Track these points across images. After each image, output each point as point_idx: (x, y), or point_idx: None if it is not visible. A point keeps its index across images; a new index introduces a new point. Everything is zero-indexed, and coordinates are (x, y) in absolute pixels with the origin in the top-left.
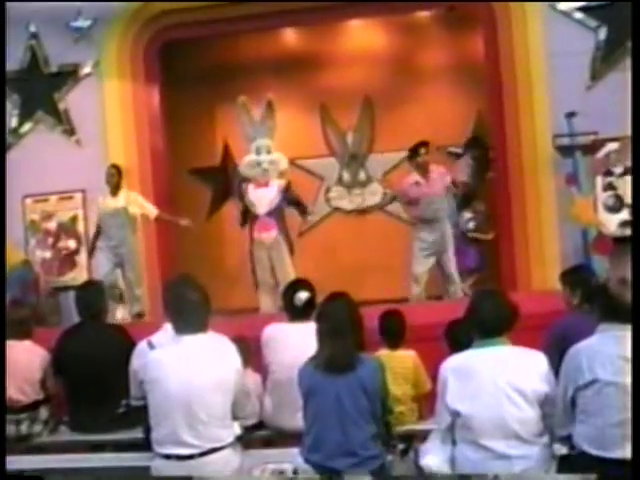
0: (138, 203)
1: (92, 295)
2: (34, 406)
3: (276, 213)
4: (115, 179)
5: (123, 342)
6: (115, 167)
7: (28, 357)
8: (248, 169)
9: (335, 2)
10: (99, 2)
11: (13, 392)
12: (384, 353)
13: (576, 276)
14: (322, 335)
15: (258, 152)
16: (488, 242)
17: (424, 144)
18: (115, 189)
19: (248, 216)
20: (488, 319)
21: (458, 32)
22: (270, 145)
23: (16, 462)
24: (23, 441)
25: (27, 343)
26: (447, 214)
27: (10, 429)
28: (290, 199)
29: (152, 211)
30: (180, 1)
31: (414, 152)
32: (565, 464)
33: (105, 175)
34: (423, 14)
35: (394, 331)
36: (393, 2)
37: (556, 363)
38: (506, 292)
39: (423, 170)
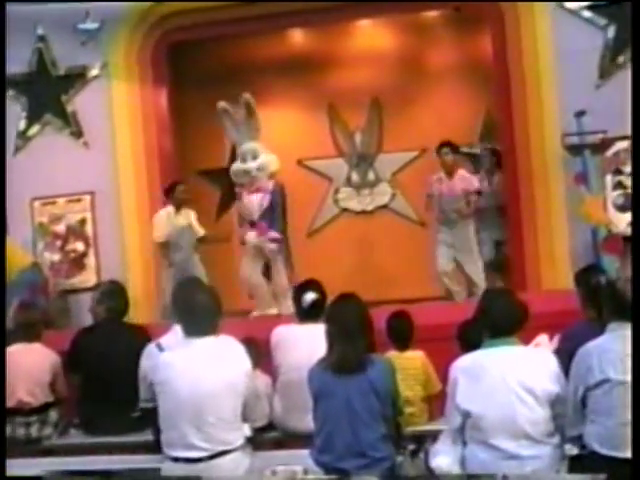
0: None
1: (112, 295)
2: (44, 409)
3: (269, 216)
4: (183, 196)
5: (140, 342)
6: (185, 184)
7: (38, 359)
8: (237, 177)
9: (342, 2)
10: (107, 3)
11: (23, 395)
12: (393, 354)
13: (580, 277)
14: (332, 336)
15: (244, 159)
16: (498, 242)
17: (446, 144)
18: (180, 206)
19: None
20: (498, 319)
21: (466, 32)
22: (256, 149)
23: (25, 465)
24: (33, 444)
25: (37, 345)
26: (466, 216)
27: (20, 432)
28: (276, 203)
29: (199, 231)
30: (188, 1)
31: (437, 152)
32: (576, 464)
33: (175, 192)
34: (430, 14)
35: (402, 332)
36: (401, 2)
37: (566, 368)
38: (516, 292)
39: (447, 169)
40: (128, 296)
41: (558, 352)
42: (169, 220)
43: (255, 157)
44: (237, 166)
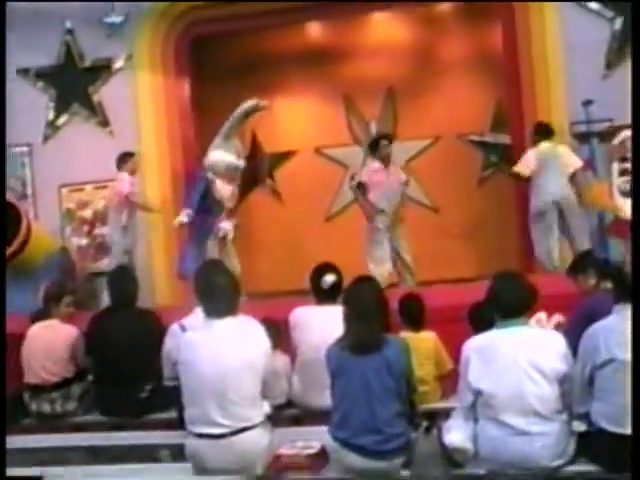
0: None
1: (123, 281)
2: (65, 384)
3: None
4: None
5: (152, 328)
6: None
7: (55, 336)
8: (223, 169)
9: None
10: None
11: (40, 371)
12: (407, 335)
13: (585, 261)
14: (349, 317)
15: (238, 155)
16: (508, 228)
17: (385, 136)
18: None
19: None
20: (508, 301)
21: (477, 24)
22: (240, 146)
23: (51, 440)
24: (59, 419)
25: (54, 322)
26: (402, 204)
27: (45, 407)
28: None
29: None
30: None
31: (375, 144)
32: (583, 440)
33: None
34: (443, 7)
35: (414, 314)
36: None
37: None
38: (525, 274)
39: (384, 161)
40: (134, 280)
41: (575, 318)
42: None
43: (239, 156)
44: (229, 159)
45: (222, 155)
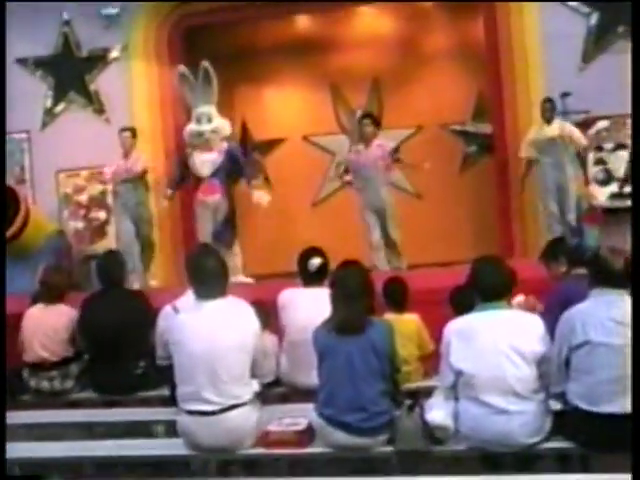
0: (568, 130)
1: (112, 264)
2: (64, 363)
3: (221, 175)
4: (549, 112)
5: (142, 308)
6: (549, 101)
7: (56, 318)
8: (191, 138)
9: None
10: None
11: (39, 350)
12: (390, 317)
13: (557, 248)
14: (336, 299)
15: (199, 121)
16: (489, 214)
17: (367, 116)
18: (550, 120)
19: (187, 177)
20: (488, 284)
21: (460, 18)
22: (211, 112)
23: (50, 416)
24: (57, 396)
25: (56, 305)
26: (384, 183)
27: (44, 385)
28: (235, 161)
29: (580, 137)
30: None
31: (359, 123)
32: (559, 419)
33: (541, 109)
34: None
35: (397, 297)
36: None
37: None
38: (504, 259)
39: (365, 140)
40: (122, 263)
41: (550, 304)
42: (533, 133)
43: (210, 120)
44: (191, 127)
45: (187, 127)
